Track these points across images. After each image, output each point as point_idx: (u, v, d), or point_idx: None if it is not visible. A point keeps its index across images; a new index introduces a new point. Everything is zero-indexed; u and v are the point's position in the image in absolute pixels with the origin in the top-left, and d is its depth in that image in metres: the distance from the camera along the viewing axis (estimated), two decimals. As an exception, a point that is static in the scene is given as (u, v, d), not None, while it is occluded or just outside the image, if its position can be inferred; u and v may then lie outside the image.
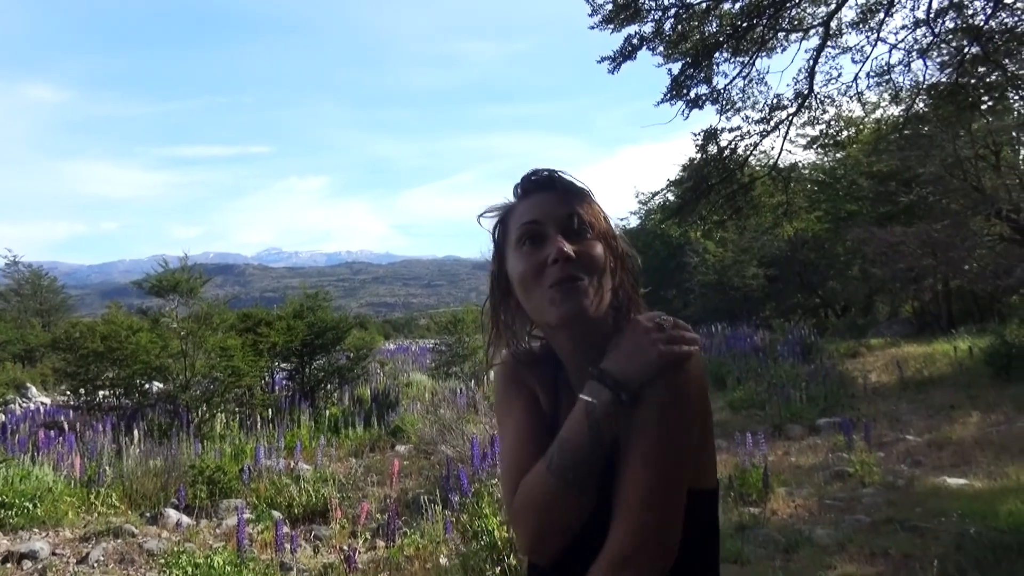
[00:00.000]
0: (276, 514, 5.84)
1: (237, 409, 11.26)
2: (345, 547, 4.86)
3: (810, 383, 10.20)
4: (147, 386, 11.42)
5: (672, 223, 12.78)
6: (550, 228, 1.16)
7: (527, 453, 1.19)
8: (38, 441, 8.35)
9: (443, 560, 4.71)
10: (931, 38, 8.53)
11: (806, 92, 9.70)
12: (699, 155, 10.68)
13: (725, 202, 11.06)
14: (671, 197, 30.83)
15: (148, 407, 11.09)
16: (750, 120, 10.08)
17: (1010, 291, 15.08)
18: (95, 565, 4.75)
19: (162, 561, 4.43)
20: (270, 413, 11.04)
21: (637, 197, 30.73)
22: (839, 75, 10.09)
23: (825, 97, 9.95)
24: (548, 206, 1.19)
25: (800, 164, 14.30)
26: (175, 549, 4.78)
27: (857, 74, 9.53)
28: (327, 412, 11.92)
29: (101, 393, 11.49)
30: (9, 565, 4.82)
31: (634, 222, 31.14)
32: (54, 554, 5.02)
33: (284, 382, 13.65)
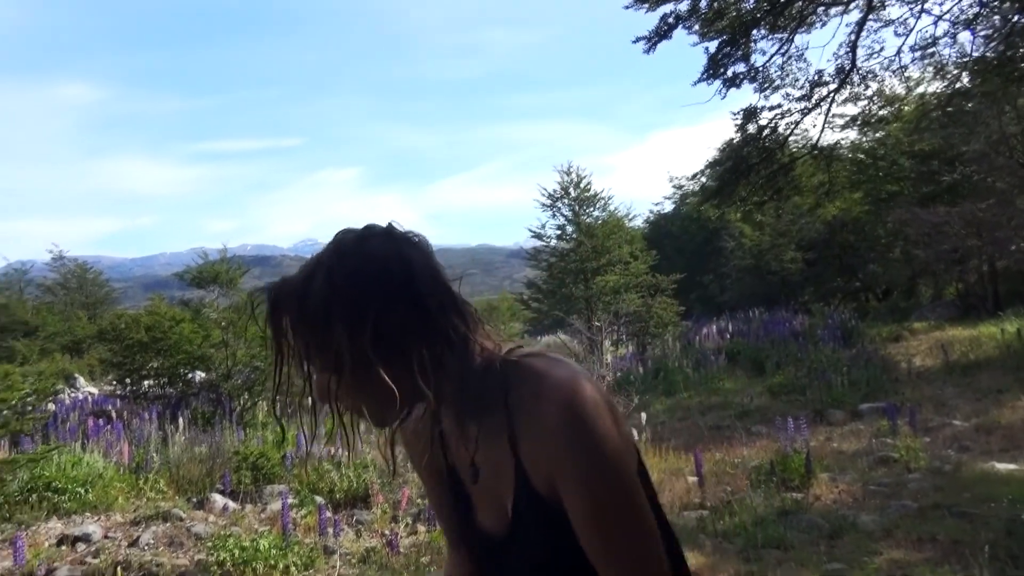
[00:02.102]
0: (318, 499, 5.93)
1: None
2: (387, 531, 4.92)
3: (851, 368, 10.03)
4: (190, 375, 11.65)
5: (711, 205, 12.61)
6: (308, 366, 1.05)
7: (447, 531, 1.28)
8: (88, 429, 8.57)
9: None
10: (977, 8, 8.26)
11: (848, 67, 9.47)
12: (738, 135, 10.50)
13: (765, 183, 10.87)
14: (705, 181, 30.51)
15: (192, 396, 11.33)
16: (791, 98, 9.88)
17: (1059, 271, 14.68)
18: (145, 548, 4.87)
19: (209, 544, 4.53)
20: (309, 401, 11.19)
21: (671, 182, 30.46)
22: (881, 49, 9.78)
23: (867, 72, 9.70)
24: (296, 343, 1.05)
25: (841, 143, 13.99)
26: (221, 533, 4.88)
27: (900, 48, 9.30)
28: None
29: (146, 382, 11.76)
30: (64, 547, 4.97)
31: (668, 207, 30.90)
32: (106, 537, 5.17)
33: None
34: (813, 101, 9.77)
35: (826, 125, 10.39)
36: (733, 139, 10.87)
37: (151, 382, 11.62)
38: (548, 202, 14.62)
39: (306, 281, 0.99)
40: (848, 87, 9.75)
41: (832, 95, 9.76)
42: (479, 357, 1.02)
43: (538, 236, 15.06)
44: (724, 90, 9.65)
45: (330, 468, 6.75)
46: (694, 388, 11.35)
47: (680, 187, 30.19)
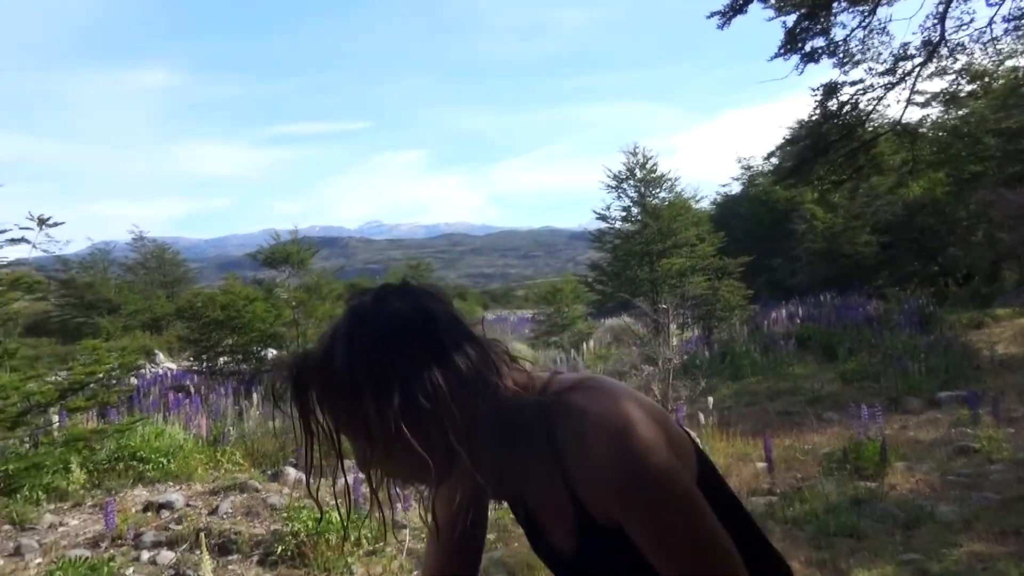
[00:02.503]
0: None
1: (346, 375, 11.70)
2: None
3: (929, 355, 9.67)
4: (263, 353, 12.04)
5: (787, 184, 12.21)
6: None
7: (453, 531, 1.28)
8: (168, 403, 8.95)
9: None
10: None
11: (936, 40, 9.02)
12: (817, 112, 10.09)
13: (845, 161, 10.46)
14: (778, 161, 29.69)
15: (264, 373, 11.71)
16: (873, 72, 9.45)
17: None
18: (224, 516, 5.07)
19: (284, 515, 4.68)
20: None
21: (740, 163, 29.76)
22: (971, 20, 9.24)
23: (956, 45, 9.22)
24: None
25: (925, 119, 13.33)
26: (295, 504, 5.05)
27: (992, 18, 8.80)
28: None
29: (221, 359, 12.20)
30: (149, 513, 5.23)
31: (736, 188, 30.22)
32: (188, 505, 5.40)
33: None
34: (897, 76, 9.32)
35: (910, 101, 9.92)
36: (812, 116, 10.45)
37: (226, 359, 12.05)
38: (613, 183, 14.48)
39: (327, 352, 0.98)
40: (935, 61, 9.27)
41: (917, 69, 9.31)
42: (512, 396, 1.01)
43: (603, 218, 14.95)
44: (802, 66, 9.32)
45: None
46: (762, 373, 11.14)
47: (749, 168, 29.48)
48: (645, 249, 14.08)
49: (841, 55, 9.27)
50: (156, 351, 20.74)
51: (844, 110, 9.76)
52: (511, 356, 1.07)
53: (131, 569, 4.15)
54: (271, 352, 12.18)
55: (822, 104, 9.83)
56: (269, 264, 11.55)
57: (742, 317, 14.65)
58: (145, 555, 4.42)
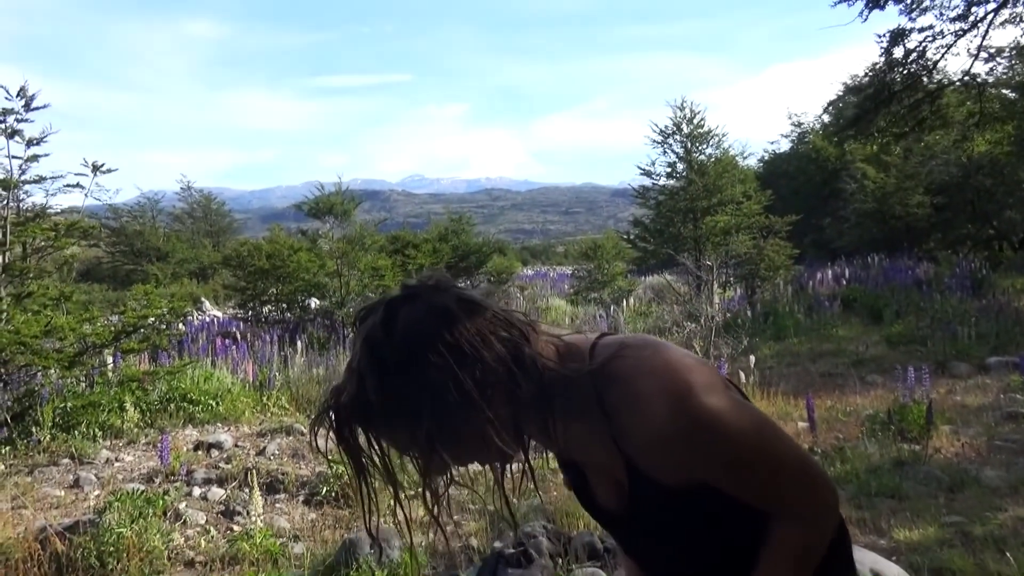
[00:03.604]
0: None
1: (388, 326, 11.86)
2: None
3: (980, 319, 9.43)
4: (307, 302, 12.25)
5: (847, 136, 11.72)
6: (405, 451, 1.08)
7: None
8: (216, 348, 9.19)
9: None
10: None
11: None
12: (882, 59, 9.55)
13: (908, 112, 9.94)
14: (827, 119, 28.80)
15: (308, 321, 11.93)
16: (945, 17, 8.90)
17: None
18: (271, 457, 5.23)
19: (330, 458, 4.80)
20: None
21: (790, 119, 28.96)
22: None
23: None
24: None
25: (993, 71, 12.64)
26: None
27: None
28: (471, 332, 12.31)
29: (267, 307, 12.46)
30: (200, 452, 5.42)
31: (785, 146, 29.49)
32: (236, 446, 5.58)
33: (430, 302, 14.21)
34: (969, 22, 8.75)
35: (981, 49, 9.31)
36: (876, 64, 9.90)
37: (271, 307, 12.29)
38: (659, 138, 14.22)
39: (359, 388, 0.98)
40: (1009, 6, 8.67)
41: (991, 15, 8.73)
42: (555, 368, 1.01)
43: (647, 174, 14.72)
44: (866, 12, 8.82)
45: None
46: (805, 334, 10.99)
47: (799, 124, 28.70)
48: (689, 206, 13.87)
49: (909, 0, 8.76)
50: (202, 299, 21.22)
51: (910, 58, 9.23)
52: (534, 325, 1.05)
53: (183, 504, 4.32)
54: (315, 302, 12.39)
55: (887, 52, 9.29)
56: (314, 215, 11.67)
57: (786, 277, 14.41)
58: (197, 491, 4.60)
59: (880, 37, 9.37)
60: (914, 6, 8.89)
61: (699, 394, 0.95)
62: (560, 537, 3.15)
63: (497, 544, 3.14)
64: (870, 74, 10.30)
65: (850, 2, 8.81)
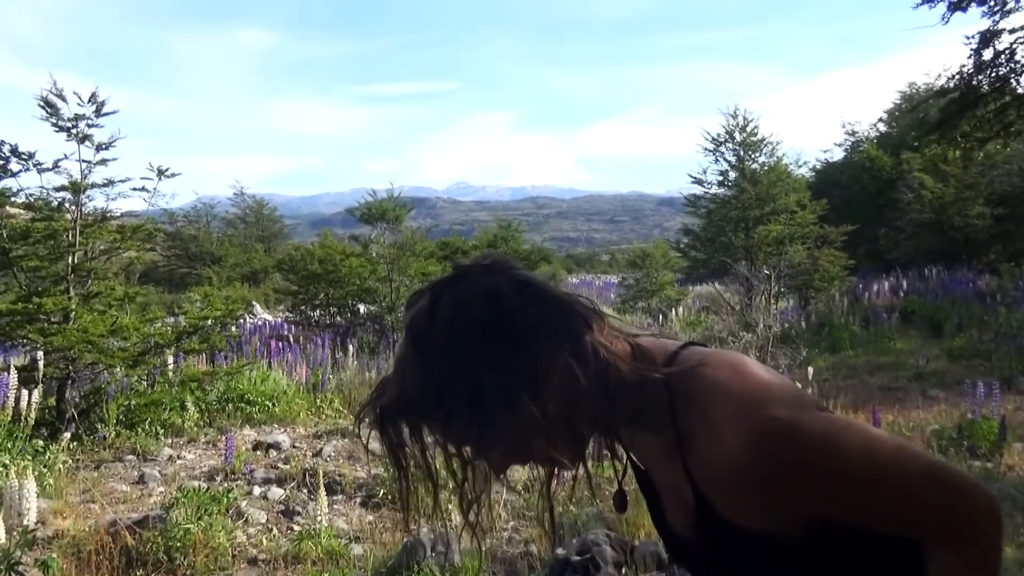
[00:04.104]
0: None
1: (436, 332, 11.93)
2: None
3: (1048, 334, 9.10)
4: (357, 307, 12.40)
5: (929, 141, 11.19)
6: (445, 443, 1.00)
7: None
8: (271, 351, 9.36)
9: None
10: None
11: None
12: (971, 60, 9.12)
13: (994, 117, 9.50)
14: (882, 128, 28.12)
15: (358, 326, 12.07)
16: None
17: None
18: (328, 459, 5.29)
19: (379, 457, 4.82)
20: (467, 337, 11.61)
21: (844, 127, 28.43)
22: None
23: None
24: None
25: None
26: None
27: None
28: (519, 339, 12.31)
29: (318, 311, 12.63)
30: (259, 452, 5.51)
31: (838, 155, 28.93)
32: (293, 446, 5.66)
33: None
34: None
35: None
36: (963, 67, 9.42)
37: (322, 311, 12.46)
38: (711, 146, 14.08)
39: (400, 379, 0.91)
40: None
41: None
42: (620, 363, 0.90)
43: (699, 182, 14.59)
44: (948, 14, 8.48)
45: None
46: (861, 346, 10.73)
47: (854, 133, 28.15)
48: (741, 215, 13.69)
49: (993, 2, 8.37)
50: (253, 302, 21.61)
51: (999, 60, 8.77)
52: (603, 316, 0.95)
53: (245, 502, 4.38)
54: (364, 307, 12.53)
55: (977, 53, 8.81)
56: (366, 220, 11.81)
57: (841, 288, 14.12)
58: (257, 490, 4.67)
59: (969, 39, 8.94)
60: (997, 8, 8.50)
61: (787, 426, 0.83)
62: (624, 546, 3.12)
63: (560, 551, 3.13)
64: (956, 77, 9.84)
65: (932, 3, 8.47)
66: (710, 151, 14.18)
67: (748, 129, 13.85)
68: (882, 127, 28.41)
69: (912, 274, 17.17)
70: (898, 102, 28.02)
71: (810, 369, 7.38)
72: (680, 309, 15.67)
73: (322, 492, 3.67)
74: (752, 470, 0.83)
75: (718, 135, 14.04)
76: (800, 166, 15.87)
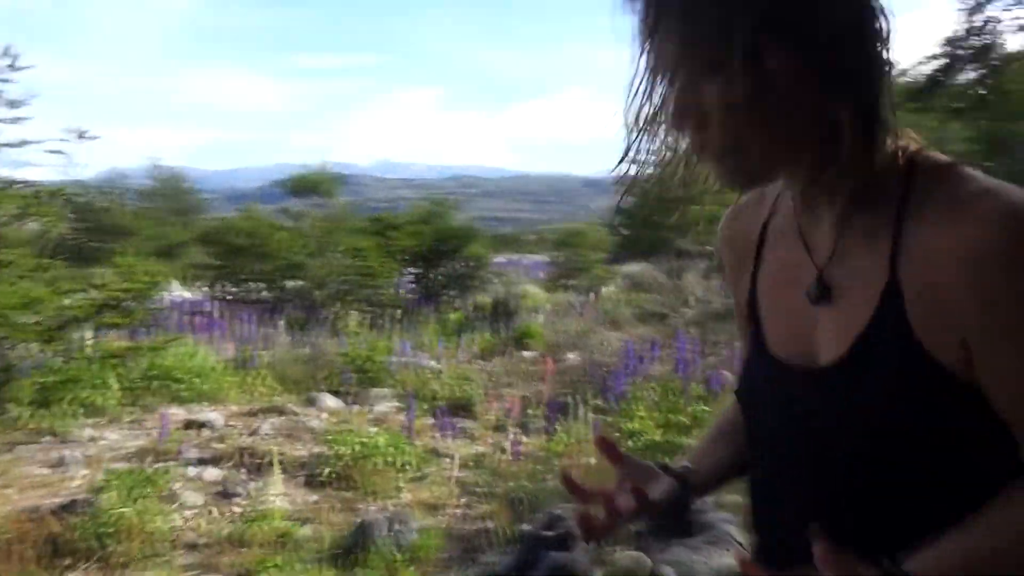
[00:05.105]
0: (417, 403, 6.06)
1: (368, 308, 11.68)
2: (508, 438, 4.98)
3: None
4: (285, 282, 12.01)
5: (914, 108, 10.98)
6: (669, 75, 0.75)
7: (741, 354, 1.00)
8: (195, 327, 8.95)
9: (589, 459, 4.74)
10: None
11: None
12: (964, 25, 8.82)
13: (973, 86, 9.35)
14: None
15: (286, 302, 11.69)
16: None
17: None
18: (265, 437, 5.07)
19: (329, 438, 4.66)
20: (399, 314, 11.39)
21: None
22: None
23: None
24: (656, 33, 0.74)
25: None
26: (335, 429, 5.03)
27: None
28: (451, 316, 12.20)
29: (244, 287, 12.18)
30: (190, 431, 5.22)
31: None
32: (227, 425, 5.40)
33: (410, 286, 14.03)
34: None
35: None
36: (956, 31, 9.05)
37: (250, 286, 12.03)
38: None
39: None
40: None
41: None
42: (887, 142, 0.73)
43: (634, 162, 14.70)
44: None
45: (431, 377, 6.88)
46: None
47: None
48: (674, 194, 13.87)
49: None
50: (170, 279, 20.62)
51: (987, 27, 8.36)
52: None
53: (179, 484, 4.14)
54: (293, 283, 12.14)
55: (970, 15, 8.38)
56: (296, 193, 11.43)
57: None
58: (191, 471, 4.42)
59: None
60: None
61: None
62: (589, 520, 3.05)
63: (526, 527, 3.04)
64: (945, 44, 9.44)
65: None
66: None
67: (681, 110, 14.02)
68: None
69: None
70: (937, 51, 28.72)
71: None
72: (610, 287, 15.82)
73: (276, 469, 3.49)
74: (998, 251, 0.65)
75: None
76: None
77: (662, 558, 2.74)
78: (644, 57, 0.74)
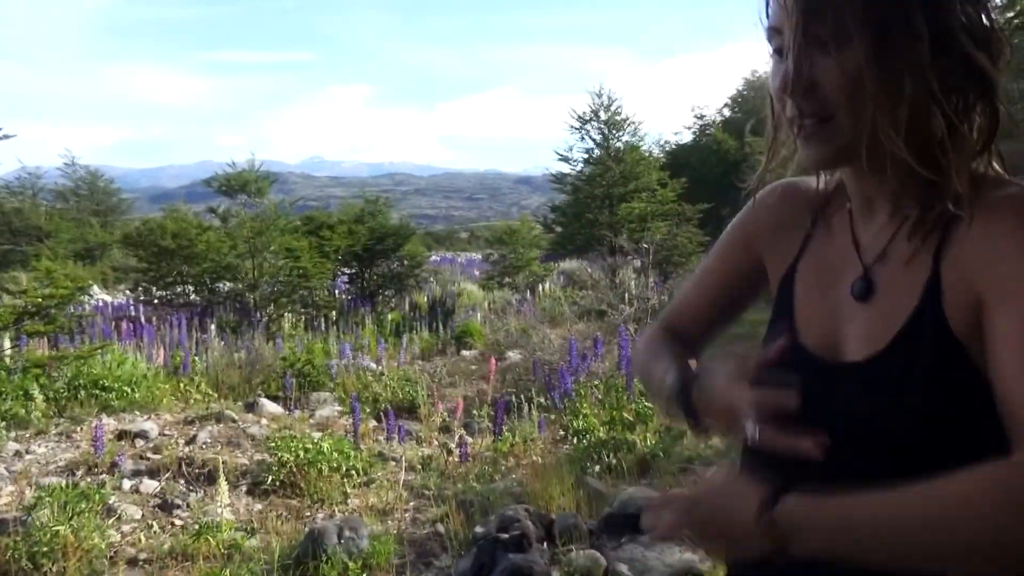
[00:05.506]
0: (360, 406, 5.98)
1: (303, 310, 11.46)
2: (440, 441, 4.97)
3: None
4: (216, 284, 11.66)
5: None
6: (788, 36, 0.75)
7: (687, 295, 1.08)
8: (121, 333, 8.62)
9: (535, 457, 4.78)
10: None
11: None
12: None
13: None
14: (727, 113, 29.80)
15: (217, 305, 11.36)
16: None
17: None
18: (204, 446, 4.92)
19: (271, 445, 4.55)
20: (335, 315, 11.21)
21: (693, 111, 29.90)
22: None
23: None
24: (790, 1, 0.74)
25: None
26: (277, 435, 4.92)
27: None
28: (388, 317, 12.08)
29: (170, 290, 11.77)
30: (124, 442, 5.02)
31: (688, 137, 30.40)
32: (162, 434, 5.22)
33: (345, 286, 13.84)
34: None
35: None
36: None
37: (179, 289, 11.65)
38: (577, 124, 14.34)
39: None
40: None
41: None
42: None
43: (565, 159, 14.84)
44: None
45: (372, 379, 6.80)
46: (720, 318, 11.35)
47: (702, 117, 29.65)
48: (606, 192, 14.06)
49: None
50: (90, 282, 19.82)
51: None
52: None
53: (114, 498, 3.98)
54: (225, 284, 11.81)
55: None
56: (225, 192, 11.08)
57: (698, 263, 14.86)
58: (127, 484, 4.26)
59: None
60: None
61: None
62: (543, 520, 3.08)
63: (479, 529, 3.04)
64: None
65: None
66: (576, 129, 14.45)
67: (612, 108, 14.21)
68: (727, 112, 30.13)
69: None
70: (742, 89, 29.78)
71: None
72: (547, 285, 15.93)
73: (222, 479, 3.38)
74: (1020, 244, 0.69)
75: (584, 113, 14.32)
76: (663, 146, 16.52)
77: (617, 556, 2.79)
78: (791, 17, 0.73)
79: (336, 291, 13.48)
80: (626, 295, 9.18)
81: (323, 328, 10.36)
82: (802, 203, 0.93)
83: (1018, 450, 0.66)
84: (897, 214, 0.79)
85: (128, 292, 13.46)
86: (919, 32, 0.70)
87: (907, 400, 0.73)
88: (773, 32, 0.78)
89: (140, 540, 3.55)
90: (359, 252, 13.10)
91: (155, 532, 3.64)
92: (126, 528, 3.71)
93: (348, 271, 13.78)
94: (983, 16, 0.73)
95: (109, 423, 5.49)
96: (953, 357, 0.72)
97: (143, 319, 10.52)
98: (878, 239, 0.82)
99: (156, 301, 11.76)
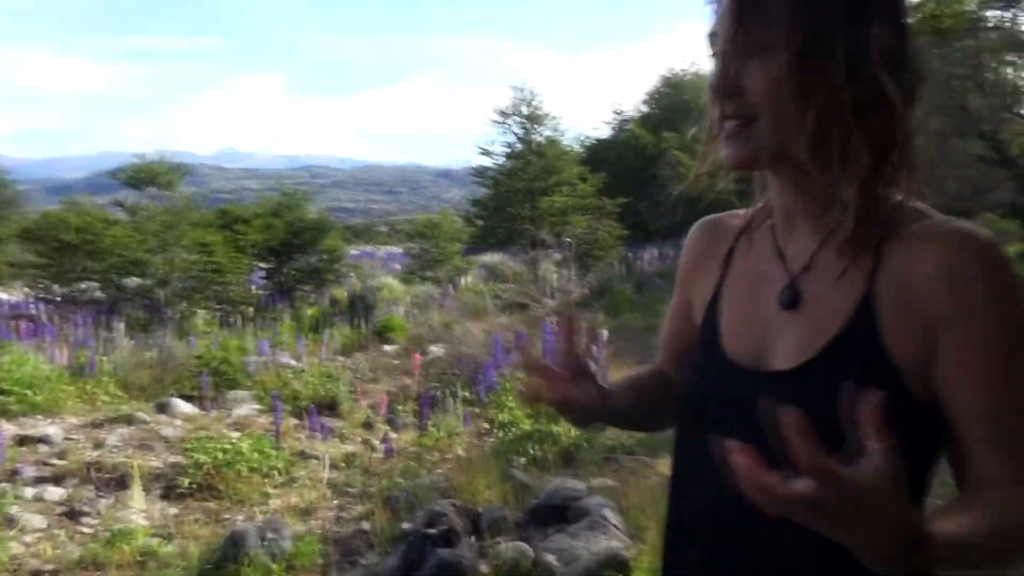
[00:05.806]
0: (280, 404, 5.85)
1: (217, 306, 11.10)
2: (379, 436, 4.91)
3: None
4: (123, 281, 11.16)
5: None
6: (720, 42, 0.79)
7: (664, 330, 1.08)
8: (19, 332, 8.15)
9: (460, 451, 4.78)
10: None
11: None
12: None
13: None
14: (645, 108, 30.42)
15: (125, 302, 10.88)
16: None
17: None
18: (114, 450, 4.71)
19: (187, 447, 4.40)
20: (251, 311, 10.91)
21: (612, 107, 30.35)
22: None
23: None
24: (723, 6, 0.79)
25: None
26: (192, 436, 4.76)
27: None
28: (307, 312, 11.84)
29: (76, 287, 11.20)
30: (25, 448, 4.76)
31: (607, 132, 30.88)
32: (68, 439, 4.96)
33: (261, 281, 13.48)
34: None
35: None
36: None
37: (83, 286, 11.09)
38: (499, 118, 14.38)
39: None
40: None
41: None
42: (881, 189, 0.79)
43: (487, 153, 14.86)
44: None
45: (292, 376, 6.66)
46: (638, 309, 11.58)
47: (620, 112, 30.12)
48: (528, 186, 14.16)
49: None
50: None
51: None
52: None
53: (16, 507, 3.77)
54: (132, 280, 11.31)
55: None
56: (133, 185, 10.60)
57: (616, 257, 15.13)
58: (29, 492, 4.03)
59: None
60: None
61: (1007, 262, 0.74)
62: (470, 514, 3.08)
63: (407, 525, 3.02)
64: None
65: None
66: (498, 123, 14.48)
67: (533, 103, 14.31)
68: (644, 108, 30.70)
69: (673, 242, 18.90)
70: (659, 85, 30.40)
71: (605, 332, 7.83)
72: (469, 278, 15.92)
73: (136, 483, 3.24)
74: (971, 270, 0.72)
75: (505, 107, 14.37)
76: (583, 142, 16.73)
77: (544, 546, 2.83)
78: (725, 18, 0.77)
79: (252, 287, 13.10)
80: (548, 288, 9.29)
81: (239, 325, 10.08)
82: (724, 233, 0.97)
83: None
84: (820, 228, 0.82)
85: (26, 289, 12.73)
86: (837, 54, 0.74)
87: (831, 411, 0.70)
88: (712, 37, 0.81)
89: (45, 550, 3.37)
90: (276, 246, 12.77)
91: (61, 541, 3.47)
92: (29, 538, 3.51)
93: (265, 266, 13.41)
94: (904, 46, 0.77)
95: (9, 428, 5.18)
96: (884, 378, 0.74)
97: (44, 317, 9.98)
98: (802, 250, 0.84)
99: (57, 299, 11.17)
